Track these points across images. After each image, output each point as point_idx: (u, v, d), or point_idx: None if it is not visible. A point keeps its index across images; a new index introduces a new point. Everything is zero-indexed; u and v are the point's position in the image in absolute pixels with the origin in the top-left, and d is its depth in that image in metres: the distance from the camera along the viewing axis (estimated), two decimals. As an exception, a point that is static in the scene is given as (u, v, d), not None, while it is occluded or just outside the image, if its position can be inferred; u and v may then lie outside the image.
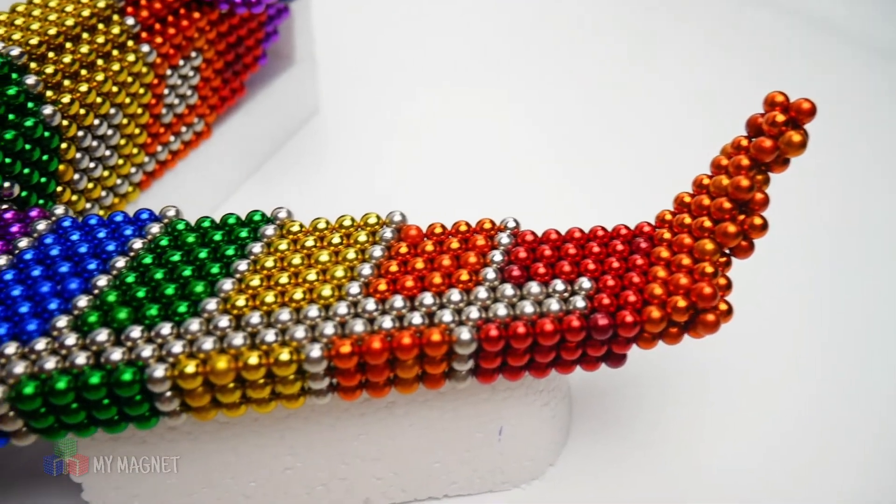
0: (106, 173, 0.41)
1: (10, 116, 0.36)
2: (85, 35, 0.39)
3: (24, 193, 0.36)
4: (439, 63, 0.67)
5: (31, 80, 0.36)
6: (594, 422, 0.40)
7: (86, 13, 0.40)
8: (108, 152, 0.41)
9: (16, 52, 0.36)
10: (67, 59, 0.38)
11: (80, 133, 0.39)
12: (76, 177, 0.39)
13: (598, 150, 0.58)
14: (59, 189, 0.38)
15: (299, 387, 0.30)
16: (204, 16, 0.45)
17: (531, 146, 0.59)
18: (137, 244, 0.33)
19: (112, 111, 0.40)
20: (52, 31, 0.38)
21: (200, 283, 0.31)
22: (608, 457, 0.39)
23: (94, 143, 0.40)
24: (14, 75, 0.36)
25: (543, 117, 0.62)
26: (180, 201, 0.44)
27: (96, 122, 0.39)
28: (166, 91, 0.44)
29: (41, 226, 0.34)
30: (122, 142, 0.41)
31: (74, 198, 0.39)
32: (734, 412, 0.41)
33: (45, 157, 0.37)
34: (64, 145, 0.38)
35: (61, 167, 0.38)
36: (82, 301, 0.31)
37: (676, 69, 0.67)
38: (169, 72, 0.43)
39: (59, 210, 0.35)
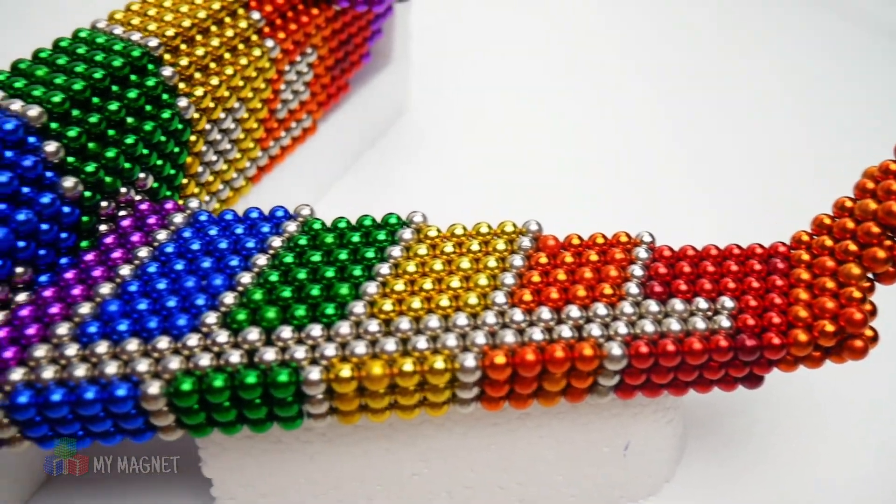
0: (225, 167, 0.41)
1: (148, 108, 0.35)
2: (214, 28, 0.39)
3: (154, 185, 0.36)
4: (526, 66, 0.67)
5: (167, 71, 0.36)
6: (707, 439, 0.39)
7: (216, 6, 0.39)
8: (228, 146, 0.40)
9: (154, 42, 0.36)
10: (200, 51, 0.38)
11: (208, 126, 0.38)
12: (200, 169, 0.39)
13: (702, 165, 0.58)
14: (185, 181, 0.38)
15: (448, 395, 0.30)
16: (321, 13, 0.44)
17: (624, 154, 0.59)
18: (276, 242, 0.33)
19: (236, 105, 0.40)
20: (187, 24, 0.38)
21: (345, 285, 0.31)
22: (722, 473, 0.38)
23: (218, 137, 0.40)
24: (151, 66, 0.36)
25: (638, 125, 0.61)
26: (278, 197, 0.44)
27: (222, 115, 0.39)
28: (282, 87, 0.43)
29: (178, 219, 0.34)
30: (242, 136, 0.41)
31: (196, 190, 0.39)
32: (847, 429, 0.40)
33: (176, 150, 0.37)
34: (192, 138, 0.38)
35: (188, 159, 0.38)
36: (229, 298, 0.30)
37: (778, 84, 0.66)
38: (287, 67, 0.43)
39: (194, 203, 0.35)
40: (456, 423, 0.33)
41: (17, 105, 0.32)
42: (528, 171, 0.57)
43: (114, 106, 0.34)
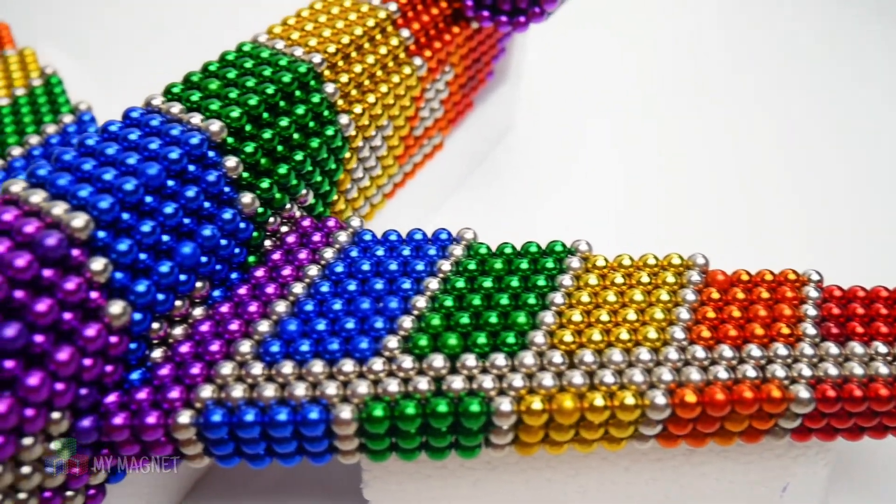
0: (368, 183, 0.41)
1: (312, 124, 0.35)
2: (368, 45, 0.39)
3: (312, 201, 0.36)
4: (633, 90, 0.66)
5: (329, 88, 0.36)
6: (851, 479, 0.39)
7: (370, 23, 0.39)
8: (373, 163, 0.40)
9: (317, 59, 0.36)
10: (358, 68, 0.38)
11: (360, 143, 0.38)
12: (348, 186, 0.39)
13: (815, 194, 0.57)
14: (335, 198, 0.38)
15: (631, 431, 0.29)
16: (461, 31, 0.44)
17: (730, 181, 0.58)
18: (446, 266, 0.33)
19: (385, 123, 0.40)
20: (345, 40, 0.38)
21: (521, 313, 0.31)
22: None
23: (367, 154, 0.39)
24: (313, 83, 0.36)
25: (744, 153, 0.61)
26: (395, 214, 0.44)
27: (373, 133, 0.39)
28: (422, 104, 0.43)
29: (342, 237, 0.34)
30: (385, 153, 0.41)
31: (343, 206, 0.39)
32: None
33: (333, 166, 0.37)
34: (347, 155, 0.38)
35: (341, 176, 0.38)
36: (406, 322, 0.30)
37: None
38: (428, 86, 0.43)
39: (356, 222, 0.35)
40: (620, 457, 0.33)
41: (197, 119, 0.32)
42: (629, 194, 0.56)
43: (284, 122, 0.34)
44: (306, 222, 0.35)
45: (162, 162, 0.30)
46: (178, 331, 0.30)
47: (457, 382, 0.28)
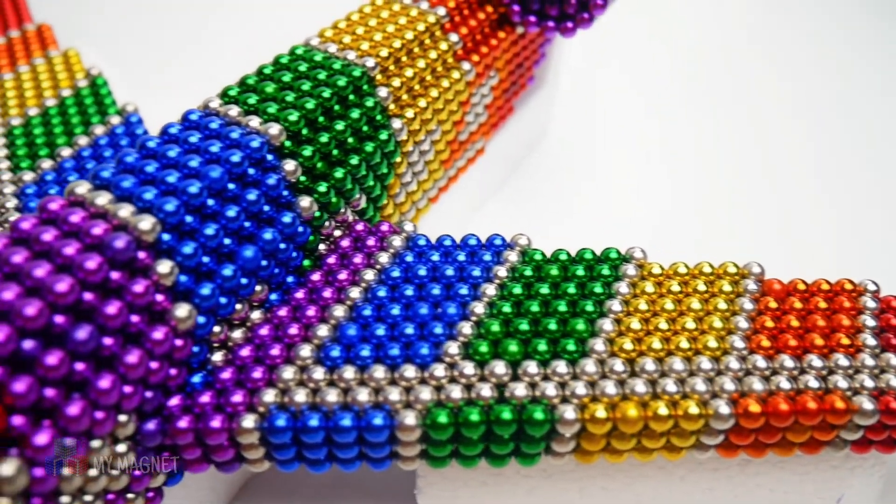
0: (415, 188, 0.41)
1: (365, 128, 0.35)
2: (417, 49, 0.39)
3: (364, 206, 0.36)
4: (667, 96, 0.66)
5: (383, 92, 0.36)
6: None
7: (420, 27, 0.39)
8: (421, 167, 0.40)
9: (370, 63, 0.36)
10: (409, 73, 0.38)
11: (411, 148, 0.38)
12: (397, 190, 0.39)
13: (851, 202, 0.57)
14: (385, 202, 0.38)
15: (693, 441, 0.29)
16: (507, 36, 0.44)
17: (765, 188, 0.58)
18: (502, 272, 0.33)
19: (434, 127, 0.40)
20: (397, 44, 0.38)
21: (580, 320, 0.31)
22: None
23: (416, 158, 0.39)
24: (366, 87, 0.36)
25: (780, 160, 0.60)
26: (436, 217, 0.44)
27: (423, 137, 0.39)
28: (468, 109, 0.43)
29: (397, 242, 0.34)
30: (432, 157, 0.41)
31: (390, 210, 0.39)
32: None
33: (385, 171, 0.37)
34: (398, 159, 0.38)
35: (392, 180, 0.38)
36: (466, 328, 0.30)
37: None
38: (475, 90, 0.43)
39: (409, 227, 0.35)
40: (677, 466, 0.32)
41: (255, 122, 0.32)
42: (665, 197, 0.56)
43: (340, 126, 0.34)
44: (360, 226, 0.35)
45: (224, 165, 0.30)
46: (238, 334, 0.30)
47: (519, 389, 0.28)
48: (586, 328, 0.30)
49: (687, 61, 0.71)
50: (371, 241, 0.34)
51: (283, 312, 0.31)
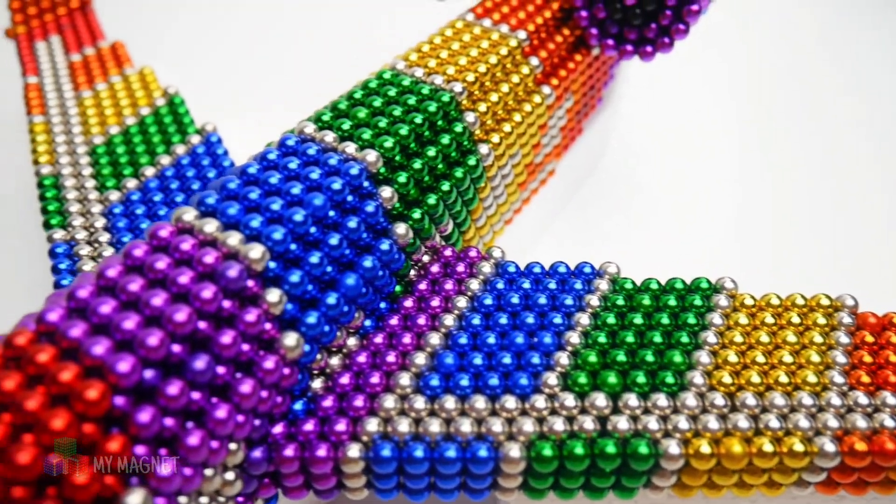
0: (494, 211, 0.41)
1: (454, 154, 0.35)
2: (500, 74, 0.39)
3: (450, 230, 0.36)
4: (726, 120, 0.65)
5: (470, 117, 0.36)
6: None
7: (503, 51, 0.39)
8: (501, 191, 0.40)
9: (458, 88, 0.36)
10: (494, 97, 0.38)
11: (494, 172, 0.38)
12: (479, 214, 0.39)
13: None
14: (468, 227, 0.38)
15: (796, 478, 0.29)
16: (583, 58, 0.44)
17: (826, 213, 0.57)
18: (594, 301, 0.33)
19: (515, 151, 0.40)
20: (482, 69, 0.38)
21: (677, 352, 0.30)
22: None
23: (497, 182, 0.39)
24: (454, 112, 0.36)
25: (837, 182, 0.60)
26: (504, 240, 0.44)
27: (505, 161, 0.39)
28: (545, 132, 0.43)
29: (486, 268, 0.34)
30: (511, 181, 0.41)
31: (471, 234, 0.39)
32: None
33: (471, 196, 0.37)
34: (482, 184, 0.38)
35: (475, 205, 0.38)
36: (563, 358, 0.30)
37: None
38: (552, 113, 0.43)
39: (497, 253, 0.35)
40: (772, 501, 0.32)
41: (351, 148, 0.32)
42: (721, 224, 0.55)
43: (432, 152, 0.34)
44: (448, 252, 0.35)
45: (325, 192, 0.30)
46: (336, 361, 0.30)
47: (622, 423, 0.28)
48: (683, 360, 0.30)
49: (747, 86, 0.70)
50: (461, 268, 0.34)
51: (379, 339, 0.31)
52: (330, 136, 0.33)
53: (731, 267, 0.52)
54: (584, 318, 0.32)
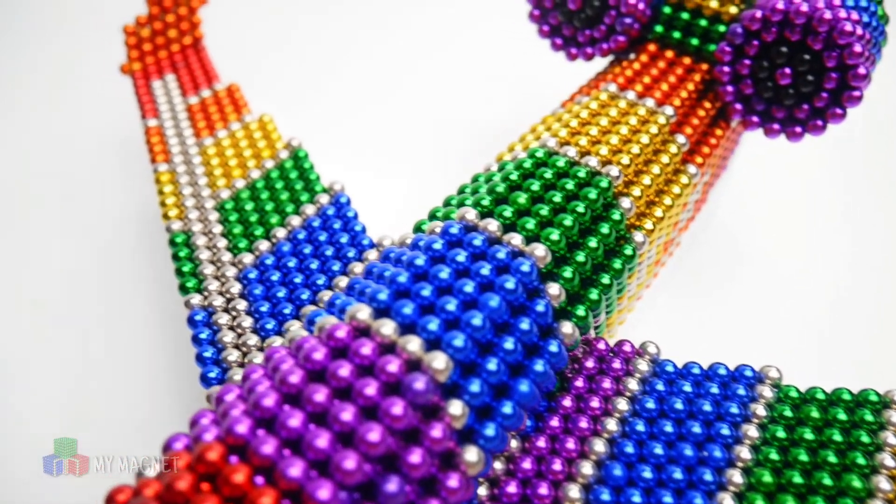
0: (634, 291, 0.39)
1: (611, 243, 0.34)
2: (650, 154, 0.38)
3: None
4: (834, 191, 0.63)
5: (626, 203, 0.35)
6: None
7: (653, 130, 0.38)
8: (643, 274, 0.39)
9: (615, 172, 0.35)
10: (646, 180, 0.37)
11: (643, 259, 0.37)
12: (624, 299, 0.38)
13: None
14: (613, 313, 0.37)
15: None
16: (724, 132, 0.43)
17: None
18: (760, 410, 0.31)
19: (661, 234, 0.38)
20: (635, 150, 0.37)
21: (855, 476, 0.29)
22: None
23: (641, 266, 0.38)
24: (610, 198, 0.35)
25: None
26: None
27: (653, 247, 0.38)
28: (685, 209, 0.42)
29: (643, 366, 0.33)
30: (652, 262, 0.40)
31: (612, 318, 0.38)
32: None
33: (624, 285, 0.35)
34: (633, 272, 0.36)
35: (623, 293, 0.36)
36: (736, 476, 0.29)
37: None
38: (693, 191, 0.42)
39: (652, 349, 0.34)
40: None
41: (517, 239, 0.31)
42: (823, 299, 0.53)
43: (593, 243, 0.33)
44: (601, 345, 0.34)
45: (498, 292, 0.29)
46: (499, 465, 0.29)
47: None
48: (862, 486, 0.29)
49: (852, 159, 0.67)
50: (617, 364, 0.33)
51: (541, 443, 0.30)
52: (493, 225, 0.31)
53: (836, 354, 0.50)
54: (752, 430, 0.30)
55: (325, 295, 0.36)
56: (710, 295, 0.53)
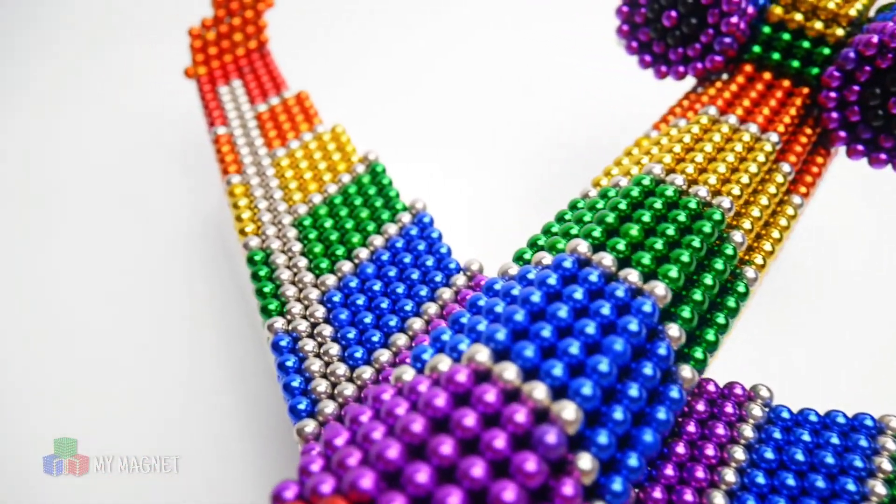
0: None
1: (724, 280, 0.32)
2: (757, 184, 0.36)
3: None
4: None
5: (738, 237, 0.33)
6: None
7: (761, 158, 0.36)
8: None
9: (727, 204, 0.33)
10: (756, 212, 0.35)
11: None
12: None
13: None
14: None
15: None
16: (825, 159, 0.41)
17: None
18: (885, 465, 0.29)
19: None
20: (745, 180, 0.35)
21: None
22: None
23: (740, 299, 0.36)
24: (722, 231, 0.33)
25: None
26: None
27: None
28: (782, 239, 0.40)
29: (757, 411, 0.31)
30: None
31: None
32: None
33: (734, 322, 0.34)
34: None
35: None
36: None
37: None
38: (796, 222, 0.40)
39: (763, 392, 0.32)
40: None
41: (634, 276, 0.29)
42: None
43: (709, 280, 0.31)
44: (710, 387, 0.32)
45: (622, 334, 0.27)
46: (613, 519, 0.27)
47: None
48: None
49: None
50: (729, 409, 0.31)
51: (658, 494, 0.28)
52: (608, 260, 0.30)
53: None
54: (878, 487, 0.29)
55: (414, 322, 0.35)
56: (789, 326, 0.51)
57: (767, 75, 0.42)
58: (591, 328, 0.27)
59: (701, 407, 0.31)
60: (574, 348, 0.26)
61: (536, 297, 0.28)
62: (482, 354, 0.26)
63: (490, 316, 0.29)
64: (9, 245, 0.54)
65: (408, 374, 0.28)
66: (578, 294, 0.28)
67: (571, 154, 0.61)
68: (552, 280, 0.29)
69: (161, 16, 0.74)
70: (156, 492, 0.39)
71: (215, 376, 0.45)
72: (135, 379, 0.45)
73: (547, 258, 0.31)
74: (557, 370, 0.25)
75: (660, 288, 0.29)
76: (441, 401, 0.24)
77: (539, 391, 0.25)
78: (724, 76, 0.43)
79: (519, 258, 0.33)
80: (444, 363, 0.27)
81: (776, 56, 0.42)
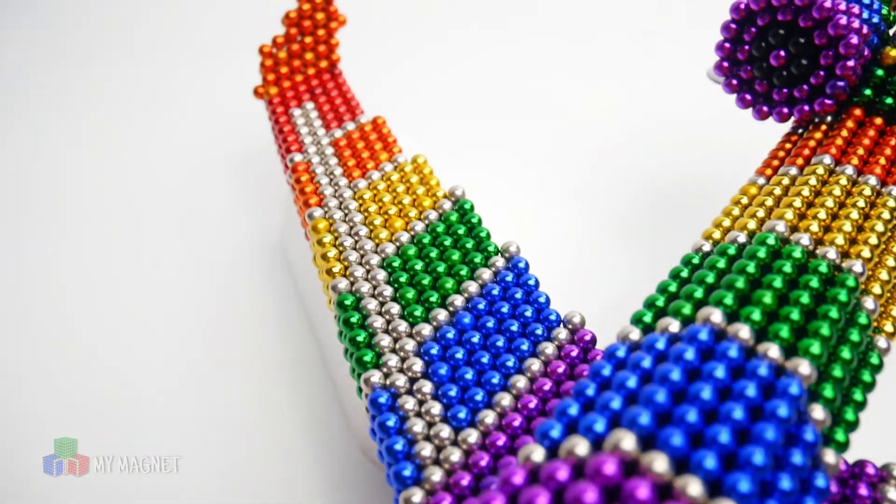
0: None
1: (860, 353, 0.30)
2: (884, 244, 0.34)
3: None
4: None
5: (870, 303, 0.31)
6: None
7: (885, 215, 0.34)
8: (857, 370, 0.35)
9: (858, 268, 0.31)
10: (884, 275, 0.33)
11: (874, 361, 0.33)
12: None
13: None
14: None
15: None
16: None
17: None
18: None
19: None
20: (873, 241, 0.33)
21: None
22: None
23: (861, 364, 0.34)
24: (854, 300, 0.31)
25: None
26: None
27: (877, 344, 0.34)
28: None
29: (892, 494, 0.29)
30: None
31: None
32: None
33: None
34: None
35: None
36: None
37: None
38: None
39: (897, 472, 0.30)
40: None
41: (774, 351, 0.27)
42: None
43: (846, 353, 0.29)
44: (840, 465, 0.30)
45: (770, 420, 0.25)
46: None
47: None
48: None
49: None
50: (863, 491, 0.29)
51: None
52: (745, 332, 0.28)
53: None
54: None
55: (518, 381, 0.33)
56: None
57: (879, 120, 0.40)
58: (738, 413, 0.25)
59: (833, 488, 0.29)
60: (724, 436, 0.24)
61: (676, 375, 0.26)
62: (628, 442, 0.24)
63: (622, 391, 0.27)
64: (58, 252, 0.53)
65: (537, 453, 0.26)
66: (720, 372, 0.27)
67: (641, 187, 0.60)
68: (689, 355, 0.27)
69: (224, 37, 0.74)
70: (156, 492, 0.39)
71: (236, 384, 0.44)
72: (166, 385, 0.44)
73: (674, 324, 0.29)
74: (710, 461, 0.24)
75: (804, 366, 0.27)
76: (591, 496, 0.23)
77: (694, 488, 0.23)
78: (828, 118, 0.41)
79: (638, 320, 0.31)
80: (581, 446, 0.25)
81: (889, 101, 0.39)
